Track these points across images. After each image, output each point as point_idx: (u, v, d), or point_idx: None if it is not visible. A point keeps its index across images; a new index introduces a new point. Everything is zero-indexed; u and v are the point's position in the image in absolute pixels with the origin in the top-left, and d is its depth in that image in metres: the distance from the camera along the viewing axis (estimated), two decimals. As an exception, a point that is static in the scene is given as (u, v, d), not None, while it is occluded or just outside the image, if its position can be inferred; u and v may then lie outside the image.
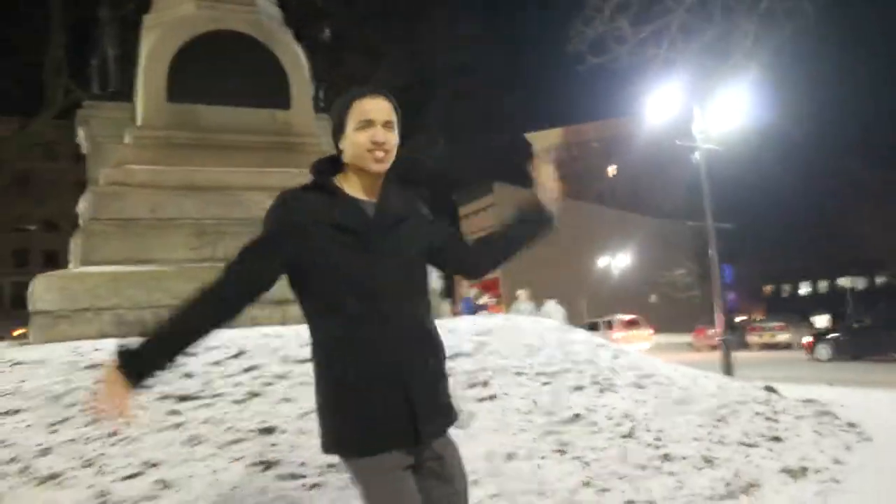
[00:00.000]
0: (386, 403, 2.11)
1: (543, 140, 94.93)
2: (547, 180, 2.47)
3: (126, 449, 4.14)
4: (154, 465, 3.93)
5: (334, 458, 2.60)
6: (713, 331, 23.74)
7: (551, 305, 15.04)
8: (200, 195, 7.63)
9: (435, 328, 2.31)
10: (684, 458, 4.51)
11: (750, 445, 4.99)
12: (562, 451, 4.36)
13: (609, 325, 29.02)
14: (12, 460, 4.15)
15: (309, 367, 4.77)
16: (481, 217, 72.08)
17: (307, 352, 4.93)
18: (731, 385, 7.17)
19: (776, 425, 5.70)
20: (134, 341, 2.09)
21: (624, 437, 4.74)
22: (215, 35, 8.59)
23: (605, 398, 5.48)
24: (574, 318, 36.05)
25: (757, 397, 6.60)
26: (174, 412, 4.48)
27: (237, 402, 4.60)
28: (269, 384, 4.81)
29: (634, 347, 25.40)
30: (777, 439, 5.31)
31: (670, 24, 10.59)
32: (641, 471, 4.25)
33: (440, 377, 2.29)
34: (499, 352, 6.05)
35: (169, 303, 5.17)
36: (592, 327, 28.39)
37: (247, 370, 5.04)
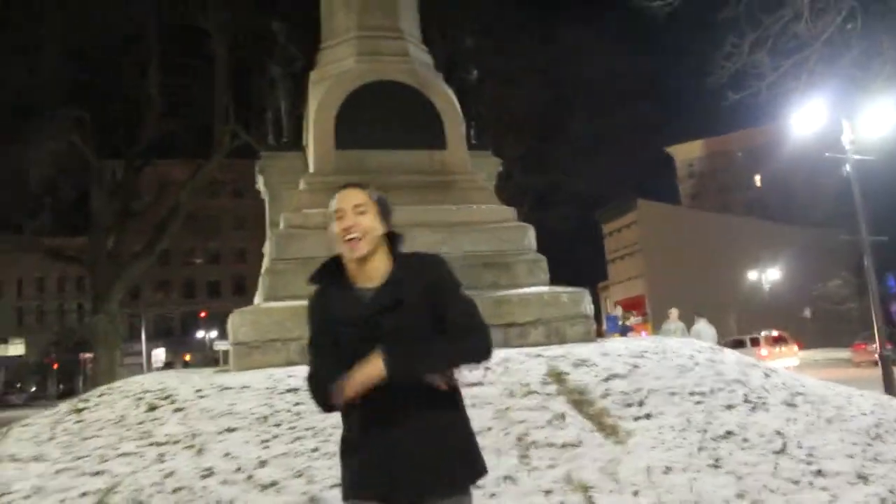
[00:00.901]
0: (370, 461, 2.31)
1: (685, 153, 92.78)
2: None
3: (328, 462, 4.83)
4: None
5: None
6: (874, 346, 22.64)
7: (701, 325, 15.02)
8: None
9: (441, 396, 2.38)
10: (837, 473, 4.76)
11: (905, 463, 5.15)
12: (716, 466, 4.72)
13: (755, 342, 28.19)
14: (237, 470, 4.96)
15: (481, 389, 5.37)
16: (624, 234, 71.29)
17: (476, 375, 5.54)
18: (891, 403, 7.20)
19: (935, 444, 5.77)
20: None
21: (776, 452, 5.03)
22: (375, 86, 9.46)
23: (756, 416, 5.75)
24: (723, 335, 35.13)
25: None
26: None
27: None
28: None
29: (781, 364, 24.70)
30: (933, 457, 5.41)
31: (809, 57, 10.57)
32: (794, 485, 4.55)
33: (438, 439, 2.34)
34: (651, 373, 6.43)
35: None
36: (738, 344, 27.67)
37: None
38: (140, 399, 6.69)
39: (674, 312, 15.44)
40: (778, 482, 4.58)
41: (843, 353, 34.61)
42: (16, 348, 72.50)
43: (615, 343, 8.05)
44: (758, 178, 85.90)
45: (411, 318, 2.37)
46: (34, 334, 71.56)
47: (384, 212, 2.51)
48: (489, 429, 5.09)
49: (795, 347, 29.04)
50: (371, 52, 9.75)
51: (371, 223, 2.44)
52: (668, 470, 4.62)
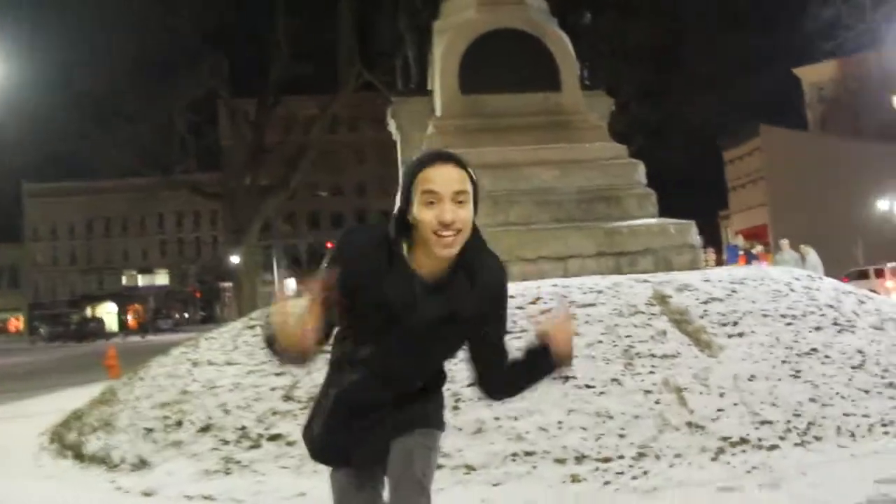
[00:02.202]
0: (332, 440, 2.22)
1: (814, 74, 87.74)
2: (561, 341, 2.20)
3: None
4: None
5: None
6: None
7: (814, 255, 15.26)
8: (491, 172, 9.30)
9: (431, 387, 2.29)
10: (908, 386, 5.44)
11: (978, 378, 5.74)
12: (795, 376, 5.49)
13: (879, 274, 27.61)
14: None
15: (594, 309, 6.26)
16: (746, 161, 69.18)
17: (589, 297, 6.44)
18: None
19: None
20: None
21: (853, 367, 5.73)
22: (494, 34, 10.20)
23: (842, 337, 6.41)
24: (848, 265, 34.30)
25: None
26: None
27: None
28: (561, 322, 6.37)
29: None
30: None
31: None
32: (864, 393, 5.28)
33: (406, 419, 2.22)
34: (748, 297, 7.12)
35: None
36: (861, 275, 27.25)
37: (542, 312, 6.63)
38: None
39: (785, 243, 15.73)
40: (850, 391, 5.32)
41: None
42: (161, 278, 78.21)
43: (718, 271, 8.73)
44: (895, 101, 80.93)
45: (456, 332, 2.16)
46: (176, 265, 77.06)
47: (478, 198, 2.10)
48: (599, 342, 6.01)
49: None
50: (490, 1, 10.48)
51: (470, 216, 2.05)
52: (752, 377, 5.43)
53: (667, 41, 28.42)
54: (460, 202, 2.01)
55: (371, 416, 2.17)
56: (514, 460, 4.50)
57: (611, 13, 24.83)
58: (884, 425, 4.79)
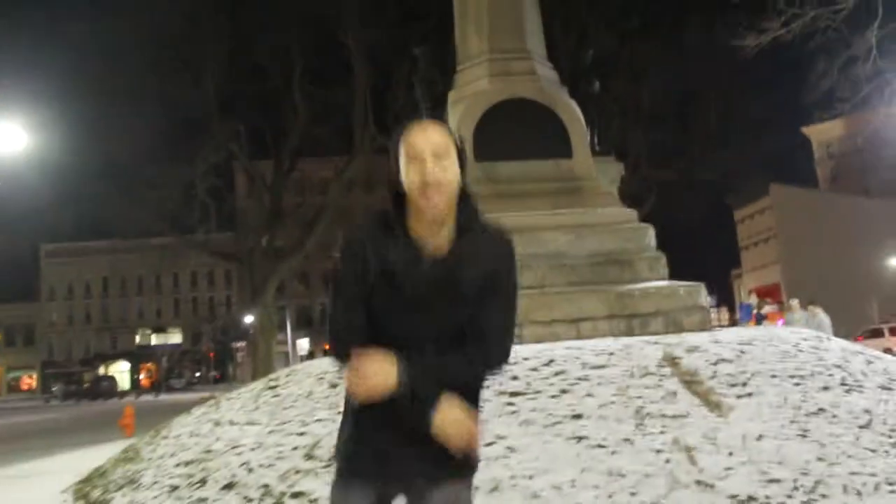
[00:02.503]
0: (368, 435, 2.19)
1: (823, 133, 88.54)
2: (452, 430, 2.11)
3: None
4: (502, 437, 5.80)
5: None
6: None
7: (823, 315, 15.42)
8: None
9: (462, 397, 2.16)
10: (912, 444, 5.58)
11: (982, 438, 5.87)
12: (803, 436, 5.64)
13: (894, 332, 27.67)
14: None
15: (606, 371, 6.46)
16: (757, 220, 69.46)
17: (601, 359, 6.65)
18: None
19: None
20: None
21: (861, 427, 5.87)
22: (507, 103, 10.62)
23: (850, 397, 6.56)
24: (863, 323, 34.11)
25: None
26: (509, 403, 6.36)
27: (552, 396, 6.41)
28: (575, 384, 6.57)
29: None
30: None
31: None
32: (871, 453, 5.42)
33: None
34: (757, 358, 7.30)
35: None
36: (875, 333, 27.29)
37: (556, 374, 6.84)
38: (321, 378, 8.15)
39: (795, 303, 15.90)
40: (856, 450, 5.45)
41: None
42: (174, 337, 78.59)
43: (728, 332, 8.91)
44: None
45: (463, 303, 2.18)
46: (190, 324, 77.46)
47: (463, 157, 2.20)
48: (612, 402, 6.18)
49: None
50: (502, 72, 10.92)
51: (453, 175, 2.14)
52: (760, 437, 5.58)
53: (677, 103, 29.08)
54: (442, 161, 2.10)
55: (407, 419, 2.09)
56: (529, 517, 4.66)
57: (623, 76, 25.49)
58: (889, 484, 4.92)
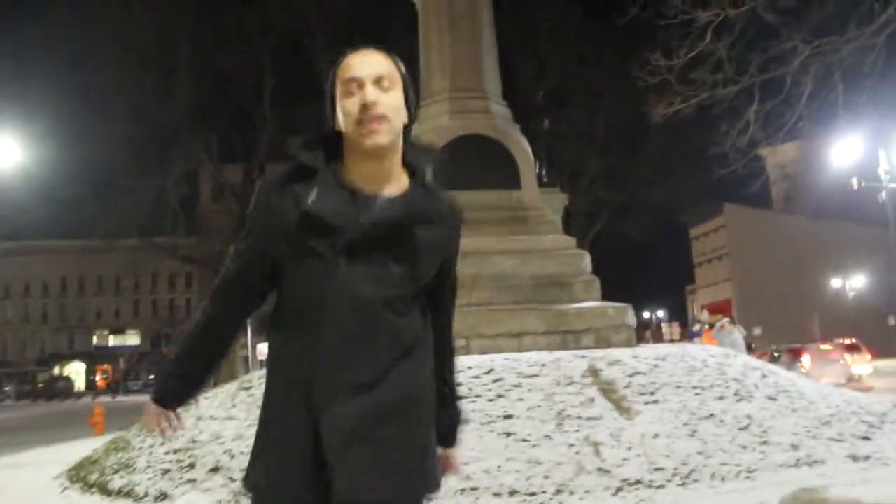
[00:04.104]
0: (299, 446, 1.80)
1: (778, 154, 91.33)
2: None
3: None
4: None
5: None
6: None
7: (737, 334, 16.81)
8: (461, 259, 10.76)
9: (421, 392, 1.87)
10: (778, 444, 6.88)
11: (837, 441, 7.20)
12: (691, 435, 6.90)
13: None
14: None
15: (537, 380, 7.69)
16: (711, 238, 71.63)
17: (534, 369, 7.90)
18: (863, 400, 9.13)
19: (874, 430, 7.75)
20: (165, 376, 2.02)
21: (740, 429, 7.16)
22: (465, 138, 11.80)
23: (739, 405, 7.85)
24: (807, 339, 35.76)
25: (873, 410, 8.56)
26: (454, 404, 7.53)
27: (490, 400, 7.58)
28: (510, 390, 7.76)
29: (856, 370, 25.88)
30: (867, 438, 7.42)
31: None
32: (742, 449, 6.70)
33: (402, 437, 1.79)
34: (667, 371, 8.55)
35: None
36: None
37: (494, 381, 8.02)
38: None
39: (726, 322, 17.29)
40: (731, 447, 6.73)
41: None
42: (132, 338, 78.50)
43: (646, 349, 10.17)
44: (854, 181, 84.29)
45: (421, 261, 1.87)
46: (148, 326, 77.47)
47: (410, 93, 1.89)
48: (539, 406, 7.38)
49: (868, 356, 29.94)
50: (461, 110, 12.12)
51: (398, 103, 1.83)
52: (656, 436, 6.83)
53: (629, 128, 30.54)
54: (385, 88, 1.80)
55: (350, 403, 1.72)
56: (462, 494, 5.82)
57: (576, 101, 26.90)
58: (749, 472, 6.19)
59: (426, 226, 1.87)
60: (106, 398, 51.12)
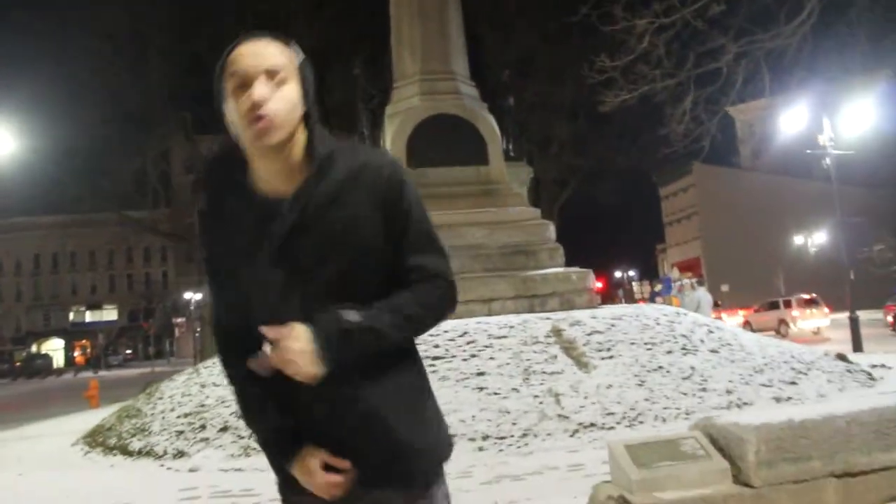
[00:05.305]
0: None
1: (746, 112, 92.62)
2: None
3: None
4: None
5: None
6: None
7: (701, 292, 17.86)
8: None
9: (398, 366, 1.74)
10: (714, 390, 7.93)
11: (767, 386, 8.27)
12: (640, 385, 7.93)
13: (787, 304, 30.80)
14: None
15: (506, 340, 8.68)
16: (681, 197, 72.96)
17: (503, 331, 8.91)
18: (796, 350, 10.24)
19: (801, 376, 8.85)
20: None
21: (683, 378, 8.20)
22: (435, 118, 12.66)
23: (685, 358, 8.89)
24: (772, 295, 37.03)
25: (804, 359, 9.67)
26: (431, 365, 8.47)
27: (464, 359, 8.55)
28: (482, 350, 8.73)
29: (811, 324, 27.36)
30: (793, 383, 8.51)
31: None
32: (683, 395, 7.74)
33: (387, 431, 1.66)
34: (623, 330, 9.57)
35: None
36: (773, 306, 30.46)
37: (468, 343, 8.99)
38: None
39: (687, 283, 18.39)
40: (675, 394, 7.77)
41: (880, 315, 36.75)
42: (110, 313, 78.68)
43: (605, 310, 11.19)
44: (822, 138, 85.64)
45: (346, 246, 1.65)
46: (125, 301, 77.74)
47: (308, 81, 1.69)
48: (507, 363, 8.36)
49: (826, 310, 31.40)
50: (431, 91, 12.94)
51: (292, 97, 1.64)
52: (609, 386, 7.85)
53: (596, 95, 31.35)
54: (278, 82, 1.61)
55: (338, 407, 1.64)
56: (443, 440, 6.81)
57: (542, 74, 27.66)
58: (687, 414, 7.22)
59: (331, 206, 1.65)
60: (89, 374, 51.55)
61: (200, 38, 26.30)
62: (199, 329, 40.96)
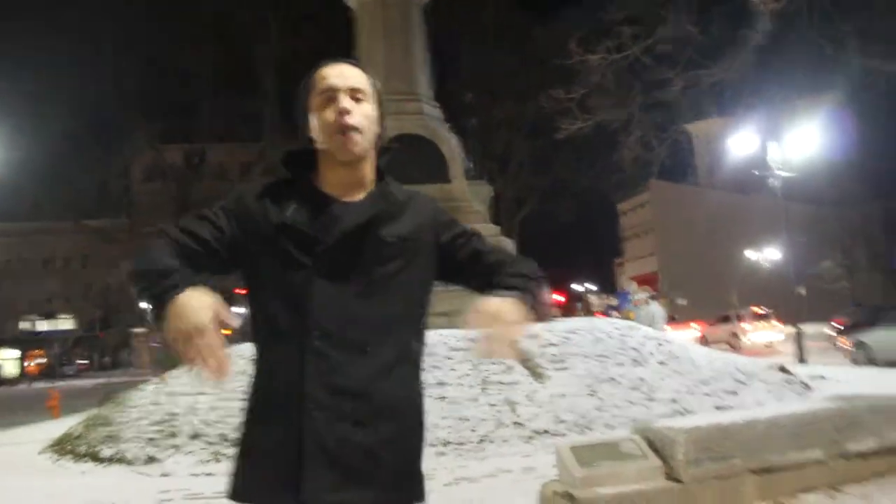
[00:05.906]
0: (276, 443, 1.78)
1: (703, 129, 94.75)
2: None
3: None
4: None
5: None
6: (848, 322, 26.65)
7: (654, 306, 18.45)
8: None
9: (413, 397, 2.01)
10: (661, 400, 8.45)
11: (709, 396, 8.83)
12: (591, 395, 8.43)
13: (740, 318, 31.76)
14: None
15: (465, 353, 9.16)
16: (638, 213, 74.32)
17: (462, 343, 9.37)
18: (740, 362, 10.84)
19: (742, 386, 9.43)
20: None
21: (631, 389, 8.72)
22: (400, 137, 13.09)
23: (635, 370, 9.41)
24: (726, 309, 38.07)
25: (747, 370, 10.25)
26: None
27: (426, 370, 8.96)
28: (443, 361, 9.16)
29: (764, 338, 28.29)
30: (734, 393, 9.08)
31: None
32: (631, 404, 8.25)
33: (384, 440, 1.82)
34: (576, 343, 10.06)
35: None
36: (725, 319, 31.39)
37: (429, 355, 9.39)
38: (252, 360, 10.44)
39: (641, 297, 18.97)
40: (624, 403, 8.28)
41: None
42: (65, 323, 77.34)
43: (561, 323, 11.70)
44: (768, 159, 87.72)
45: (388, 251, 1.86)
46: (82, 310, 76.45)
47: (383, 105, 1.99)
48: (468, 374, 8.80)
49: (777, 324, 32.40)
50: (396, 112, 13.32)
51: (371, 114, 1.91)
52: (562, 396, 8.33)
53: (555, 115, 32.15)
54: (359, 99, 1.86)
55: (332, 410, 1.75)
56: (405, 446, 7.22)
57: (505, 94, 28.30)
58: (633, 422, 7.70)
59: (391, 222, 1.88)
60: (42, 384, 50.71)
61: (172, 50, 26.51)
62: (156, 341, 40.72)
